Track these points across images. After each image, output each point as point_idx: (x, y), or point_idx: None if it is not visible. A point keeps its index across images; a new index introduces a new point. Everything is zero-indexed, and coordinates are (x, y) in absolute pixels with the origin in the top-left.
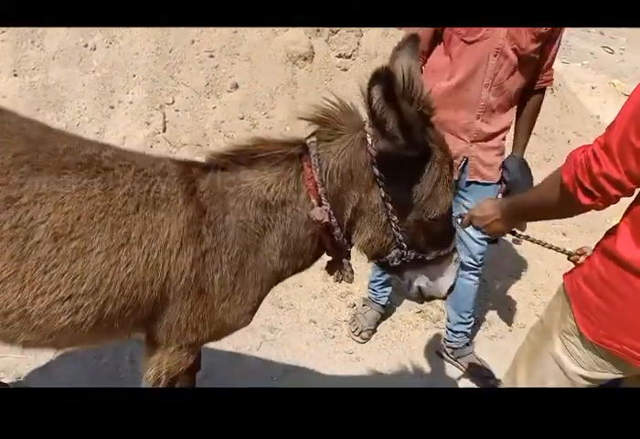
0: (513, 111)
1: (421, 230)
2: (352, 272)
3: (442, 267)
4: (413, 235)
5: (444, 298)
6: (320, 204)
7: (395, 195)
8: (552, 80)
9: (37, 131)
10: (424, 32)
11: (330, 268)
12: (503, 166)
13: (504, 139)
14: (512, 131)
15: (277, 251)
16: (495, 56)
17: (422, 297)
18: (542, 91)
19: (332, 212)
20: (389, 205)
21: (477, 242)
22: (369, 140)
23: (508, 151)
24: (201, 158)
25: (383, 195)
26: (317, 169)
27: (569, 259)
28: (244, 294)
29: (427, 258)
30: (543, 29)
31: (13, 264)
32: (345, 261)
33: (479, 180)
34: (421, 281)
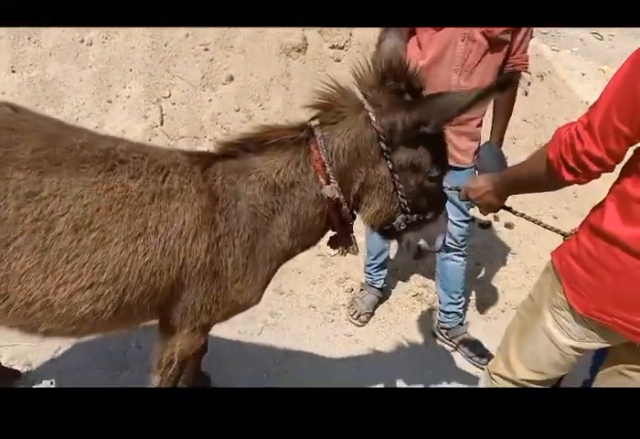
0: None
1: (422, 193)
2: (356, 244)
3: (436, 224)
4: (416, 199)
5: (439, 251)
6: (328, 182)
7: (401, 164)
8: (525, 64)
9: (52, 127)
10: None
11: (334, 243)
12: (477, 152)
13: (479, 126)
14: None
15: (286, 232)
16: (462, 40)
17: (421, 254)
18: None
19: (340, 189)
20: (396, 175)
21: (456, 225)
22: (373, 118)
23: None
24: (211, 148)
25: (391, 167)
26: (324, 150)
27: (564, 240)
28: (255, 275)
29: (427, 218)
30: None
31: (36, 256)
32: (350, 235)
33: (452, 164)
34: (419, 240)
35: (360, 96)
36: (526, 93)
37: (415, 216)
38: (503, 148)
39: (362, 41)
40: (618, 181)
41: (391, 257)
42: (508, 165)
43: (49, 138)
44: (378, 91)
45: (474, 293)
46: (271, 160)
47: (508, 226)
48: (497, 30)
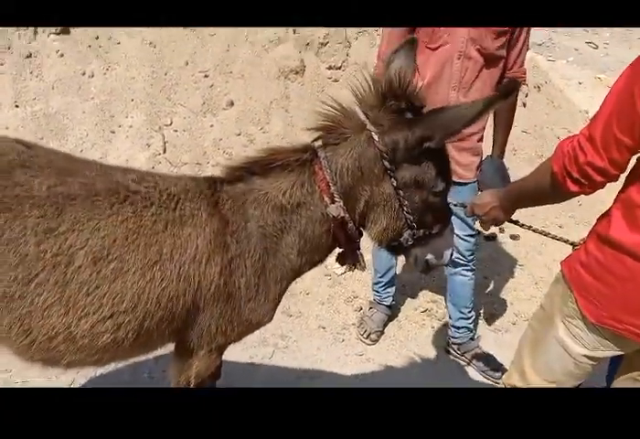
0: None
1: (428, 208)
2: (363, 261)
3: (443, 239)
4: (421, 214)
5: (447, 265)
6: (333, 201)
7: (406, 181)
8: (524, 77)
9: (64, 161)
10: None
11: (342, 259)
12: (479, 167)
13: (480, 141)
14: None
15: (295, 250)
16: (458, 59)
17: (429, 269)
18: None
19: (345, 208)
20: (401, 192)
21: (463, 239)
22: (376, 137)
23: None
24: (216, 173)
25: (395, 184)
26: (328, 170)
27: (574, 250)
28: (267, 293)
29: (433, 232)
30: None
31: (57, 290)
32: (357, 252)
33: (455, 180)
34: (426, 254)
35: (362, 116)
36: (524, 105)
37: (422, 231)
38: (504, 160)
39: (358, 61)
40: (623, 189)
41: (398, 274)
42: (510, 176)
43: (63, 173)
44: (379, 111)
45: (483, 306)
46: (276, 182)
47: (514, 238)
48: (492, 47)
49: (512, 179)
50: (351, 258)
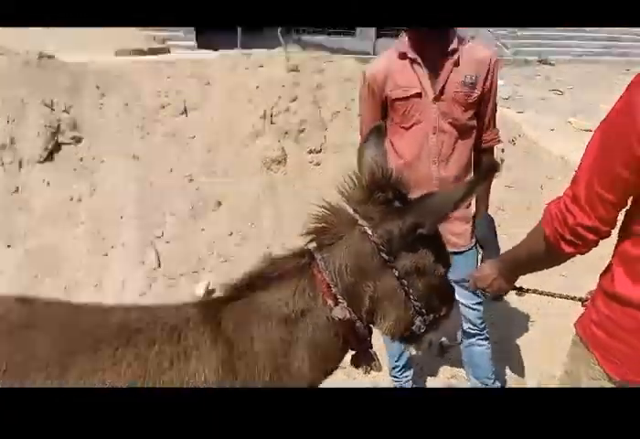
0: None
1: (433, 291)
2: (378, 360)
3: (452, 318)
4: (428, 299)
5: (461, 343)
6: (337, 303)
7: (407, 270)
8: (497, 139)
9: (64, 314)
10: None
11: (356, 361)
12: (472, 234)
13: (468, 207)
14: None
15: (306, 363)
16: (434, 134)
17: (444, 351)
18: (490, 150)
19: (350, 308)
20: (404, 281)
21: (472, 308)
22: (369, 231)
23: None
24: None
25: (397, 274)
26: (327, 272)
27: (583, 305)
28: None
29: (442, 314)
30: (470, 99)
31: None
32: (369, 351)
33: (451, 249)
34: (439, 338)
35: (352, 212)
36: (502, 160)
37: (431, 315)
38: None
39: (337, 141)
40: (618, 244)
41: (411, 355)
42: (498, 233)
43: (64, 326)
44: (367, 205)
45: (503, 370)
46: (278, 293)
47: (519, 294)
48: (463, 118)
49: (503, 236)
50: (364, 358)
